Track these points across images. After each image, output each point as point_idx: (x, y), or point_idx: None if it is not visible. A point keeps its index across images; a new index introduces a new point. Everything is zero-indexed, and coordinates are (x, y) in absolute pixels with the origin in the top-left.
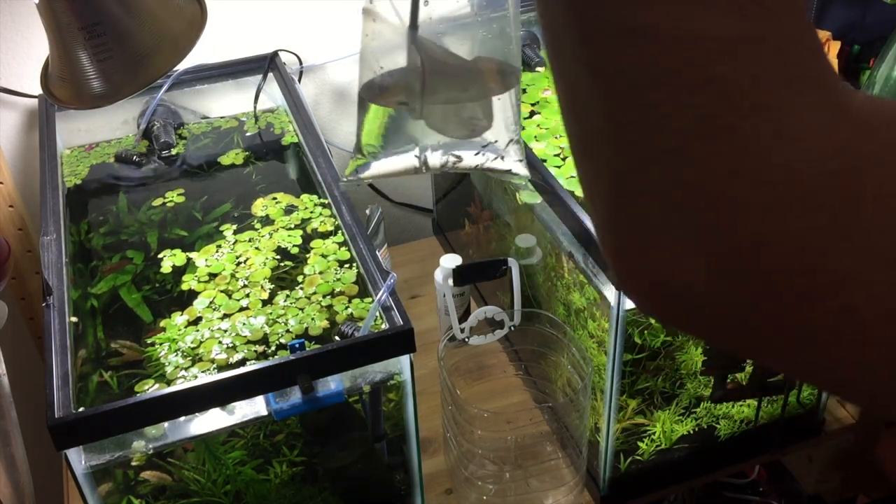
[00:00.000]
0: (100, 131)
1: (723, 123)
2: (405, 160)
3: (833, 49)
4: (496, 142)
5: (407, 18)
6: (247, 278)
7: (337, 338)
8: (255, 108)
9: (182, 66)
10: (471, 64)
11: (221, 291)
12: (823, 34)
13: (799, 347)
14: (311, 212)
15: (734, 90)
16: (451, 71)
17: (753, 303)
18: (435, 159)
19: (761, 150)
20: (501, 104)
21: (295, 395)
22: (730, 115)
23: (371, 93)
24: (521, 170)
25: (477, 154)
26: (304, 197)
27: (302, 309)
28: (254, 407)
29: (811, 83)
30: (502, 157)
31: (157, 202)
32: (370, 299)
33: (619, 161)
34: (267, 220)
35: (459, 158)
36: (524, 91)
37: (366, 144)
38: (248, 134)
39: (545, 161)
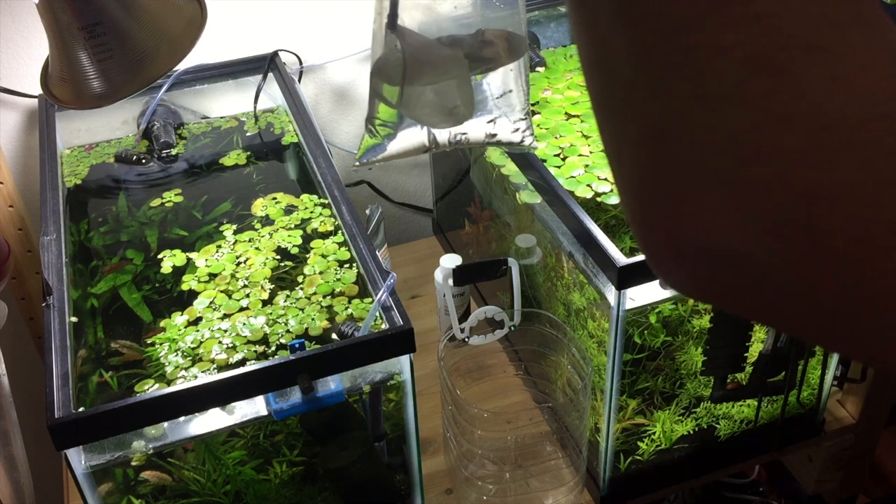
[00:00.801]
0: (100, 131)
1: (772, 64)
2: (415, 137)
3: None
4: (508, 110)
5: None
6: (247, 278)
7: (337, 338)
8: (255, 108)
9: (182, 66)
10: (451, 51)
11: (221, 291)
12: None
13: (856, 315)
14: (311, 212)
15: (783, 28)
16: (432, 59)
17: (808, 265)
18: (443, 134)
19: (815, 94)
20: (513, 74)
21: (295, 395)
22: (780, 55)
23: (385, 71)
24: (530, 140)
25: (490, 123)
26: (304, 197)
27: (302, 309)
28: (254, 407)
29: (865, 23)
30: (514, 129)
31: (157, 202)
32: (370, 299)
33: (654, 114)
34: (267, 220)
35: (469, 132)
36: None
37: (382, 122)
38: (248, 134)
39: (545, 161)
